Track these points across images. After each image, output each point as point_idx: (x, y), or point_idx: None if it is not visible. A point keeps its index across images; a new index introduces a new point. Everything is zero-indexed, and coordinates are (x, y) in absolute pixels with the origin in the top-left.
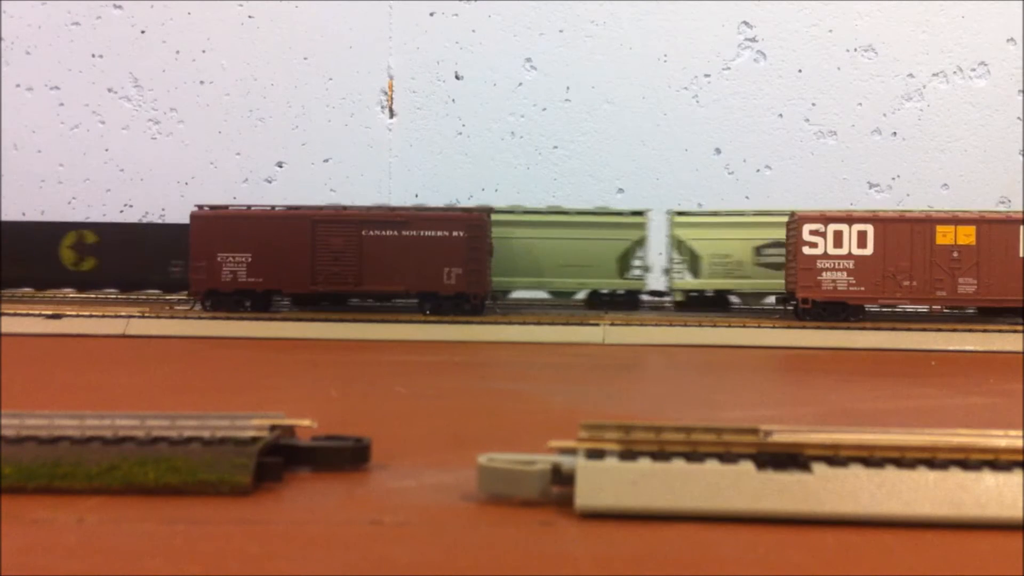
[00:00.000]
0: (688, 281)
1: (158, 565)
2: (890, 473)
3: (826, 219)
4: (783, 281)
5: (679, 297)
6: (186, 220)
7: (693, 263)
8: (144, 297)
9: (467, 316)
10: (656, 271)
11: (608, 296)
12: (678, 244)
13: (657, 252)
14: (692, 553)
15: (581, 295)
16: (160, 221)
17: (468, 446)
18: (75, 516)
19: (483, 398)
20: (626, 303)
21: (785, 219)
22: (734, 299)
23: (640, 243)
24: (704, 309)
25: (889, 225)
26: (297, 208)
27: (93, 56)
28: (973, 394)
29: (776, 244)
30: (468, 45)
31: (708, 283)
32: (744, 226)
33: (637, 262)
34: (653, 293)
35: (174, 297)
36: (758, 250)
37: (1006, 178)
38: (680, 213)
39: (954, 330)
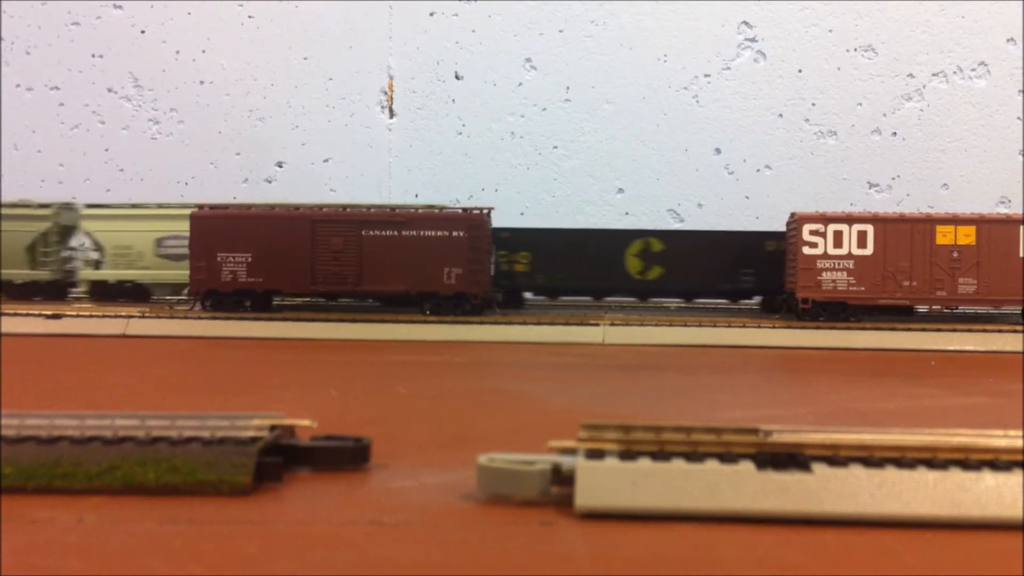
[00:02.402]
0: (92, 272)
1: (158, 565)
2: (890, 473)
3: (826, 219)
4: (187, 272)
5: (84, 287)
6: None
7: (100, 254)
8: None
9: (467, 316)
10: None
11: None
12: (88, 236)
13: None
14: (692, 553)
15: None
16: None
17: (468, 446)
18: (75, 516)
19: (483, 398)
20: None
21: (186, 211)
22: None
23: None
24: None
25: (889, 225)
26: (297, 208)
27: (93, 56)
28: (973, 394)
29: (176, 236)
30: (468, 45)
31: (111, 273)
32: (146, 218)
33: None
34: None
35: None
36: (159, 242)
37: (1006, 178)
38: (90, 205)
39: (954, 330)
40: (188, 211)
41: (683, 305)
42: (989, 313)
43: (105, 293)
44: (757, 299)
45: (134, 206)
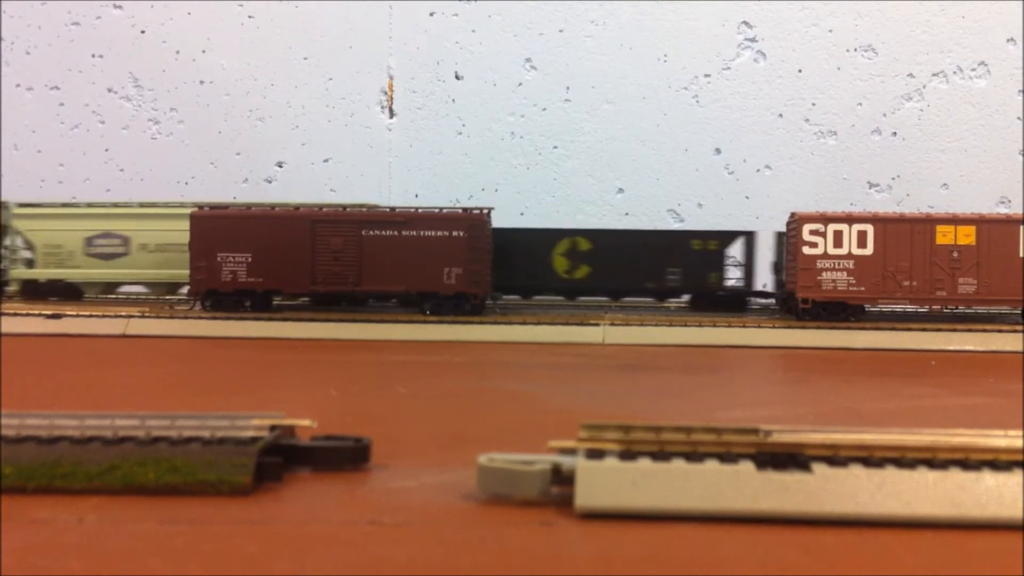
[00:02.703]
0: (24, 271)
1: (158, 565)
2: (890, 473)
3: (826, 219)
4: (117, 271)
5: (15, 286)
6: None
7: (33, 253)
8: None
9: (467, 316)
10: None
11: None
12: (17, 235)
13: None
14: (692, 553)
15: None
16: None
17: (468, 446)
18: (75, 516)
19: (483, 398)
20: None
21: (116, 211)
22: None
23: None
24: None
25: (889, 225)
26: (297, 208)
27: (93, 56)
28: (973, 394)
29: (106, 235)
30: (468, 45)
31: (42, 272)
32: (76, 217)
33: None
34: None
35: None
36: (88, 241)
37: (1006, 178)
38: (21, 204)
39: (954, 330)
40: (118, 210)
41: (681, 304)
42: (989, 313)
43: (36, 292)
44: (686, 297)
45: (64, 205)
